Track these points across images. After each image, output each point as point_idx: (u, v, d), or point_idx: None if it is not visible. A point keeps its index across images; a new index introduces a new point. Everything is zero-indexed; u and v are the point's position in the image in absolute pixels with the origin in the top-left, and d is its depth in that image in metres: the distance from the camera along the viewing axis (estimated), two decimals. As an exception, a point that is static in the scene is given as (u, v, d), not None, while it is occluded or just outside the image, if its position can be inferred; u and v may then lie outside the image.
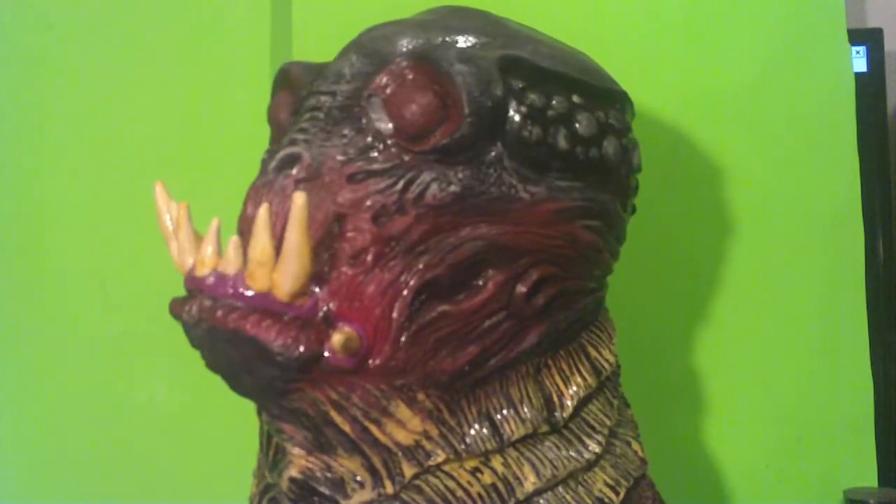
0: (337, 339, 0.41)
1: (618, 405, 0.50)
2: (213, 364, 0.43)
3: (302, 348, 0.40)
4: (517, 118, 0.45)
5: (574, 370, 0.48)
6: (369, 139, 0.45)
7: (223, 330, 0.41)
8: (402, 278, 0.42)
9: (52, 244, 0.71)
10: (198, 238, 0.44)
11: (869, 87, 0.76)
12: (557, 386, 0.47)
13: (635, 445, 0.49)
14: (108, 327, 0.70)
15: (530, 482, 0.45)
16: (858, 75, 0.73)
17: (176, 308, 0.43)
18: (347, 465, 0.44)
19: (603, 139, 0.47)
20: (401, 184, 0.43)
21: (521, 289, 0.45)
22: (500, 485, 0.45)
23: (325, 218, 0.43)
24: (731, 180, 0.71)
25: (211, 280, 0.42)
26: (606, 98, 0.48)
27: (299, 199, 0.40)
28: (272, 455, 0.47)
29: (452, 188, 0.43)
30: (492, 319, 0.45)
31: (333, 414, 0.43)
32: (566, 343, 0.48)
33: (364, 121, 0.45)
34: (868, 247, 0.71)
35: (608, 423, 0.48)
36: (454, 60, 0.44)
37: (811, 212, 0.71)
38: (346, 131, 0.45)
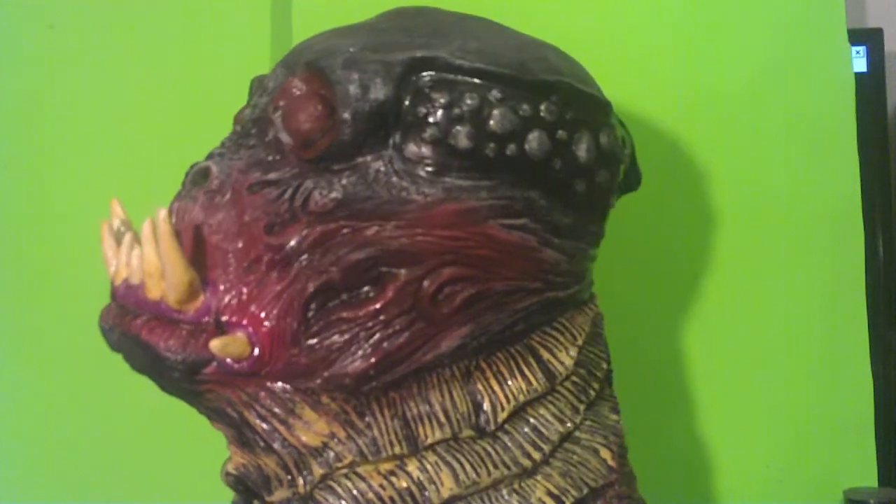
0: (215, 344, 0.43)
1: (586, 410, 0.48)
2: (134, 366, 0.46)
3: (186, 353, 0.43)
4: (412, 119, 0.44)
5: (516, 373, 0.47)
6: (271, 150, 0.46)
7: (129, 335, 0.44)
8: (296, 285, 0.43)
9: (52, 244, 0.71)
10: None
11: (869, 87, 0.76)
12: (492, 389, 0.46)
13: (604, 453, 0.47)
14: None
15: (446, 488, 0.45)
16: (858, 75, 0.73)
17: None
18: (268, 462, 0.46)
19: (526, 134, 0.45)
20: (289, 192, 0.44)
21: (426, 291, 0.44)
22: (414, 489, 0.45)
23: (228, 228, 0.44)
24: (731, 180, 0.71)
25: (122, 289, 0.46)
26: (537, 91, 0.46)
27: (161, 213, 0.43)
28: None
29: (334, 194, 0.44)
30: (398, 322, 0.44)
31: (247, 414, 0.45)
32: (506, 345, 0.47)
33: (270, 132, 0.46)
34: (868, 247, 0.71)
35: (561, 428, 0.47)
36: (337, 67, 0.44)
37: (811, 212, 0.71)
38: (252, 143, 0.47)
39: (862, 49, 0.77)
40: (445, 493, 0.45)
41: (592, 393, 0.49)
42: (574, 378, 0.48)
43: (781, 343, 0.71)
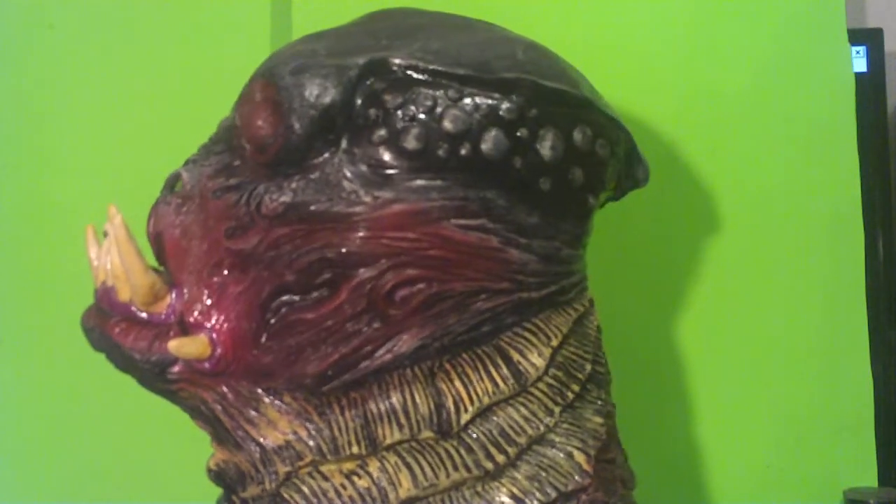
0: (172, 344, 0.45)
1: (563, 412, 0.47)
2: (116, 366, 0.48)
3: (151, 352, 0.45)
4: (362, 122, 0.44)
5: (482, 375, 0.46)
6: (236, 156, 0.47)
7: (104, 336, 0.47)
8: (254, 287, 0.45)
9: (52, 243, 0.71)
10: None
11: (869, 87, 0.76)
12: (456, 391, 0.46)
13: (579, 457, 0.46)
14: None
15: (404, 489, 0.45)
16: (858, 75, 0.73)
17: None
18: (241, 459, 0.47)
19: (482, 133, 0.44)
20: (244, 197, 0.45)
21: (380, 292, 0.44)
22: (374, 489, 0.45)
23: (195, 232, 0.46)
24: (731, 181, 0.71)
25: (100, 291, 0.48)
26: (497, 89, 0.45)
27: (116, 219, 0.46)
28: None
29: (283, 198, 0.44)
30: (354, 324, 0.45)
31: (219, 413, 0.47)
32: (472, 346, 0.46)
33: (236, 138, 0.47)
34: (868, 247, 0.71)
35: (531, 431, 0.46)
36: (286, 73, 0.45)
37: (811, 212, 0.71)
38: (221, 149, 0.48)
39: (862, 49, 0.77)
40: (403, 494, 0.45)
41: (570, 395, 0.47)
42: (548, 380, 0.47)
43: (781, 343, 0.71)
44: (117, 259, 0.46)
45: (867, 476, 0.70)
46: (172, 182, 0.48)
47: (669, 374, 0.70)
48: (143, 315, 0.46)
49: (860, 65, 0.77)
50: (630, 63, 0.70)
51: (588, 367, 0.49)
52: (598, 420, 0.48)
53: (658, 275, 0.70)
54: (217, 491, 0.50)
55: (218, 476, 0.48)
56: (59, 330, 0.71)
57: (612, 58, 0.69)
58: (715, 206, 0.71)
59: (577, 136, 0.47)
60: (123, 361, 0.47)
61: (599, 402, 0.49)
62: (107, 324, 0.47)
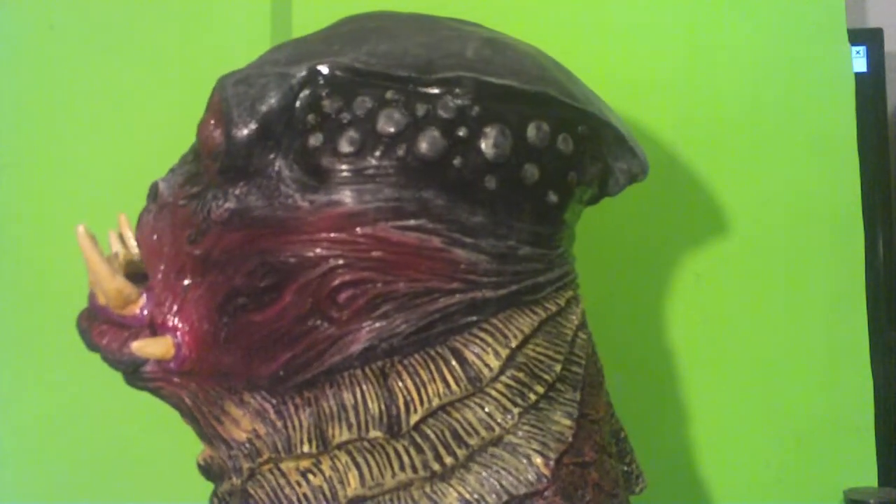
0: (135, 346, 0.47)
1: (524, 414, 0.45)
2: (108, 366, 0.50)
3: (122, 353, 0.48)
4: (301, 127, 0.45)
5: (434, 375, 0.46)
6: (199, 165, 0.49)
7: (90, 337, 0.49)
8: (210, 291, 0.46)
9: (52, 244, 0.71)
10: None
11: (869, 87, 0.76)
12: (407, 391, 0.45)
13: (537, 460, 0.45)
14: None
15: (352, 488, 0.45)
16: (858, 75, 0.73)
17: None
18: (217, 455, 0.48)
19: (418, 133, 0.44)
20: (200, 204, 0.47)
21: (322, 294, 0.45)
22: (325, 488, 0.45)
23: (166, 239, 0.48)
24: (731, 181, 0.71)
25: (90, 295, 0.51)
26: (437, 88, 0.44)
27: (80, 229, 0.49)
28: None
29: (227, 204, 0.45)
30: (303, 325, 0.45)
31: (194, 410, 0.48)
32: (424, 346, 0.46)
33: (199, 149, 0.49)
34: (868, 247, 0.71)
35: (484, 433, 0.45)
36: (229, 84, 0.45)
37: (811, 212, 0.71)
38: (190, 158, 0.50)
39: (862, 49, 0.77)
40: (350, 493, 0.45)
41: (533, 396, 0.46)
42: (506, 380, 0.46)
43: (782, 343, 0.71)
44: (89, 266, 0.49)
45: (867, 476, 0.70)
46: (154, 191, 0.50)
47: (669, 374, 0.70)
48: (120, 318, 0.49)
49: (860, 65, 0.77)
50: (630, 63, 0.70)
51: (558, 367, 0.47)
52: (566, 422, 0.46)
53: (657, 275, 0.70)
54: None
55: (205, 471, 0.50)
56: (58, 330, 0.71)
57: (612, 57, 0.69)
58: (715, 207, 0.71)
59: (531, 132, 0.46)
60: (107, 362, 0.49)
61: (572, 404, 0.47)
62: (92, 325, 0.49)
